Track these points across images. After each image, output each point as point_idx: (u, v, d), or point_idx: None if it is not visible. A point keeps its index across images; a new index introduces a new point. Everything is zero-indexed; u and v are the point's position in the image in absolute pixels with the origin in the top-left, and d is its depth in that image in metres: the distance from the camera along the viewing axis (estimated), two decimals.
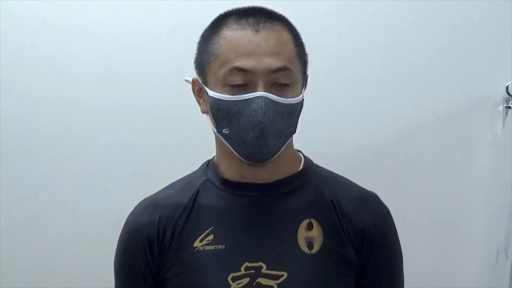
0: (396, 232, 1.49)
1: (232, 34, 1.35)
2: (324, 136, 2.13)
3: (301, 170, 1.46)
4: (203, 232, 1.40)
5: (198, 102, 1.44)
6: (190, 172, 1.52)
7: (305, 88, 1.43)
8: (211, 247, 1.38)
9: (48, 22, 2.14)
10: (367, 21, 2.15)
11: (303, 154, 1.51)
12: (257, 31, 1.35)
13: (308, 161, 1.50)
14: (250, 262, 1.37)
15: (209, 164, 1.49)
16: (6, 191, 2.17)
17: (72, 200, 2.17)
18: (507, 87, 2.09)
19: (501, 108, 2.13)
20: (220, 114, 1.35)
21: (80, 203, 2.17)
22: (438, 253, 2.16)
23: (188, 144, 2.13)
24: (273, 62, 1.33)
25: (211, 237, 1.39)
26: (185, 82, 1.46)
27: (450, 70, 2.15)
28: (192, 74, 1.45)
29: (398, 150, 2.17)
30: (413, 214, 2.14)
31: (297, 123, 1.40)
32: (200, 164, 1.52)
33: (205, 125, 1.46)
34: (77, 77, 2.15)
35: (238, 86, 1.33)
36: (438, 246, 2.16)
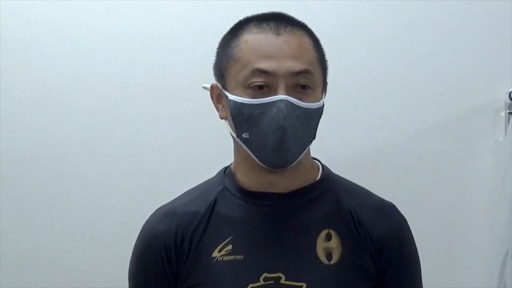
0: (414, 242, 1.49)
1: (253, 37, 1.35)
2: (324, 141, 2.07)
3: (320, 179, 1.45)
4: (222, 242, 1.38)
5: (217, 108, 1.43)
6: (204, 176, 1.51)
7: (325, 95, 1.42)
8: (230, 258, 1.37)
9: (51, 24, 2.15)
10: (370, 25, 2.15)
11: (320, 163, 1.49)
12: (278, 34, 1.34)
13: (326, 170, 1.48)
14: (269, 273, 1.35)
15: (226, 171, 1.47)
16: (6, 192, 2.17)
17: (74, 201, 2.17)
18: (509, 93, 2.07)
19: (503, 114, 2.12)
20: (240, 118, 1.34)
21: (82, 205, 2.17)
22: (440, 260, 2.14)
23: (200, 148, 2.14)
24: (294, 65, 1.33)
25: (229, 247, 1.37)
26: (203, 89, 1.45)
27: (451, 76, 2.15)
28: (208, 79, 1.43)
29: (399, 156, 2.16)
30: (414, 220, 2.05)
31: (316, 129, 1.39)
32: (215, 171, 1.51)
33: (219, 131, 1.44)
34: (82, 79, 2.16)
35: (259, 89, 1.32)
36: (441, 253, 2.15)
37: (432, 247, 2.13)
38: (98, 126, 2.17)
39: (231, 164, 1.47)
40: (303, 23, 1.40)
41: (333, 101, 2.06)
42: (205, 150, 2.14)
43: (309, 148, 1.41)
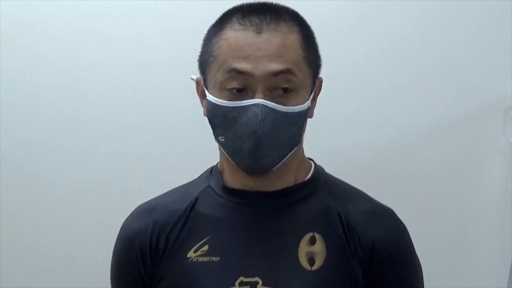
0: (413, 252, 1.37)
1: (232, 35, 1.27)
2: (326, 144, 2.07)
3: (309, 179, 1.36)
4: (198, 242, 1.30)
5: (202, 104, 1.35)
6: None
7: (318, 92, 1.34)
8: (205, 259, 1.29)
9: (48, 25, 2.13)
10: (371, 27, 2.10)
11: (314, 163, 1.40)
12: (259, 32, 1.26)
13: (318, 170, 1.39)
14: (245, 276, 1.27)
15: (212, 170, 1.40)
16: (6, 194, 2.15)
17: (71, 205, 2.15)
18: None
19: None
20: (216, 120, 1.27)
21: (78, 209, 2.15)
22: (448, 264, 2.09)
23: (191, 149, 2.11)
24: (273, 65, 1.24)
25: (206, 247, 1.30)
26: (191, 80, 1.38)
27: (459, 74, 2.10)
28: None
29: (405, 158, 2.11)
30: (421, 223, 2.05)
31: (301, 132, 1.30)
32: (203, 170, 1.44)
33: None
34: (77, 81, 2.14)
35: (237, 91, 1.25)
36: (448, 257, 2.10)
37: (439, 251, 2.08)
38: (92, 130, 2.15)
39: (218, 162, 1.40)
40: (295, 15, 1.32)
41: (339, 101, 2.10)
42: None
43: (300, 149, 1.33)
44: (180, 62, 1.98)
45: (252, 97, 1.24)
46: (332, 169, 1.45)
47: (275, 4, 1.32)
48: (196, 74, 1.35)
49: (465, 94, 2.08)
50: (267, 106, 1.23)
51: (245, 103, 1.24)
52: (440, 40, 2.09)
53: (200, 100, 1.35)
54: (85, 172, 2.15)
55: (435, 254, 2.07)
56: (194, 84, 1.36)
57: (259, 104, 1.23)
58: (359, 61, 2.10)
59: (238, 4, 1.33)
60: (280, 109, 1.24)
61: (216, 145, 1.35)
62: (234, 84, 1.25)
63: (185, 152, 2.12)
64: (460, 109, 2.08)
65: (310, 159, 1.41)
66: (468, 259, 2.10)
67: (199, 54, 1.34)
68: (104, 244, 2.03)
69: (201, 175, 1.42)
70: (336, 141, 2.09)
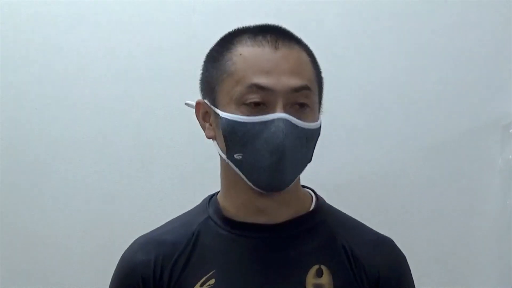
0: (412, 279, 1.39)
1: (248, 50, 1.26)
2: (325, 161, 2.04)
3: (313, 210, 1.35)
4: (204, 276, 1.29)
5: (203, 127, 1.33)
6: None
7: (320, 114, 1.33)
8: None
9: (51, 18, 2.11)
10: (374, 43, 2.08)
11: (314, 192, 1.40)
12: (276, 48, 1.26)
13: (320, 200, 1.39)
14: None
15: (211, 200, 1.38)
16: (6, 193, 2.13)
17: (71, 201, 2.12)
18: None
19: (511, 131, 2.03)
20: (234, 137, 1.24)
21: (78, 204, 2.12)
22: (447, 282, 2.07)
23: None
24: (294, 81, 1.24)
25: (212, 281, 1.28)
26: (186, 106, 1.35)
27: (457, 91, 2.08)
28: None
29: (404, 174, 2.08)
30: (419, 240, 2.06)
31: (313, 150, 1.30)
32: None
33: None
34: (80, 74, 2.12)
35: (255, 106, 1.23)
36: (446, 277, 2.07)
37: (437, 267, 2.07)
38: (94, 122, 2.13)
39: (217, 192, 1.38)
40: (299, 38, 1.32)
41: (337, 118, 2.07)
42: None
43: (299, 176, 1.32)
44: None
45: (273, 111, 1.23)
46: (330, 185, 1.44)
47: (280, 26, 1.32)
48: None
49: (463, 112, 2.06)
50: (290, 121, 1.22)
51: (269, 117, 1.22)
52: (439, 58, 2.07)
53: (201, 123, 1.33)
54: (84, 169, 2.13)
55: (433, 269, 2.06)
56: (189, 109, 1.35)
57: (283, 118, 1.22)
58: (358, 77, 2.08)
59: (242, 26, 1.32)
60: (300, 125, 1.24)
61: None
62: (254, 98, 1.23)
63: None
64: (459, 126, 2.06)
65: (308, 187, 1.40)
66: (467, 276, 2.07)
67: (201, 76, 1.33)
68: (103, 243, 2.07)
69: (198, 205, 1.40)
70: (334, 157, 2.07)
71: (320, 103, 1.32)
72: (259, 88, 1.23)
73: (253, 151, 1.23)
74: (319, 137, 1.30)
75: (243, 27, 1.31)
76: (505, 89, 2.05)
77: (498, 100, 2.06)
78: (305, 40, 1.34)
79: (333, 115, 1.97)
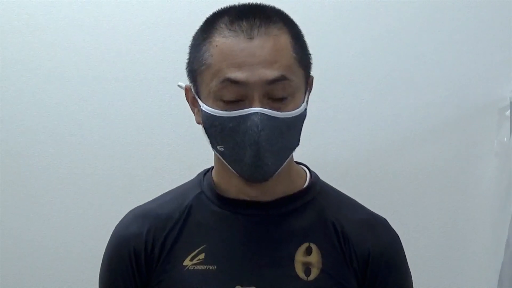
0: (406, 262, 1.37)
1: (223, 41, 1.24)
2: (317, 143, 2.07)
3: (305, 188, 1.35)
4: (194, 250, 1.29)
5: (193, 111, 1.33)
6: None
7: (309, 91, 1.31)
8: (202, 267, 1.28)
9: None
10: (367, 23, 2.09)
11: (308, 169, 1.39)
12: (250, 38, 1.23)
13: (314, 177, 1.38)
14: (242, 285, 1.27)
15: (205, 175, 1.38)
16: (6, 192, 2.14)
17: (71, 201, 2.14)
18: None
19: (508, 113, 2.04)
20: (214, 131, 1.25)
21: (78, 205, 2.14)
22: (440, 264, 2.09)
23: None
24: (268, 73, 1.22)
25: (202, 256, 1.29)
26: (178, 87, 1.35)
27: (454, 74, 2.09)
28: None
29: (399, 157, 2.10)
30: (415, 223, 2.08)
31: (299, 134, 1.28)
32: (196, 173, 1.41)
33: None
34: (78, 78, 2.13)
35: (232, 101, 1.23)
36: (441, 257, 2.10)
37: (431, 250, 2.09)
38: (92, 124, 2.14)
39: (211, 167, 1.38)
40: (282, 15, 1.28)
41: (329, 102, 2.08)
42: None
43: (292, 154, 1.31)
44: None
45: (250, 105, 1.22)
46: (326, 169, 1.44)
47: (262, 5, 1.29)
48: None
49: (460, 94, 2.07)
50: (266, 114, 1.21)
51: (243, 112, 1.21)
52: (435, 40, 2.08)
53: (191, 107, 1.33)
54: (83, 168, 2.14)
55: (427, 253, 2.08)
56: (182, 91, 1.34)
57: (257, 112, 1.21)
58: (353, 60, 2.09)
59: (223, 7, 1.29)
60: (278, 116, 1.22)
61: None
62: (230, 97, 1.22)
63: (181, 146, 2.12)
64: (455, 109, 2.08)
65: (302, 163, 1.40)
66: (461, 258, 2.09)
67: (187, 60, 1.32)
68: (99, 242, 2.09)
69: (193, 179, 1.40)
70: (330, 141, 2.09)
71: (308, 82, 1.30)
72: (233, 82, 1.22)
73: (233, 145, 1.23)
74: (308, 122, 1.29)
75: (223, 9, 1.29)
76: (502, 72, 2.06)
77: (494, 84, 2.07)
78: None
79: (324, 99, 2.05)
